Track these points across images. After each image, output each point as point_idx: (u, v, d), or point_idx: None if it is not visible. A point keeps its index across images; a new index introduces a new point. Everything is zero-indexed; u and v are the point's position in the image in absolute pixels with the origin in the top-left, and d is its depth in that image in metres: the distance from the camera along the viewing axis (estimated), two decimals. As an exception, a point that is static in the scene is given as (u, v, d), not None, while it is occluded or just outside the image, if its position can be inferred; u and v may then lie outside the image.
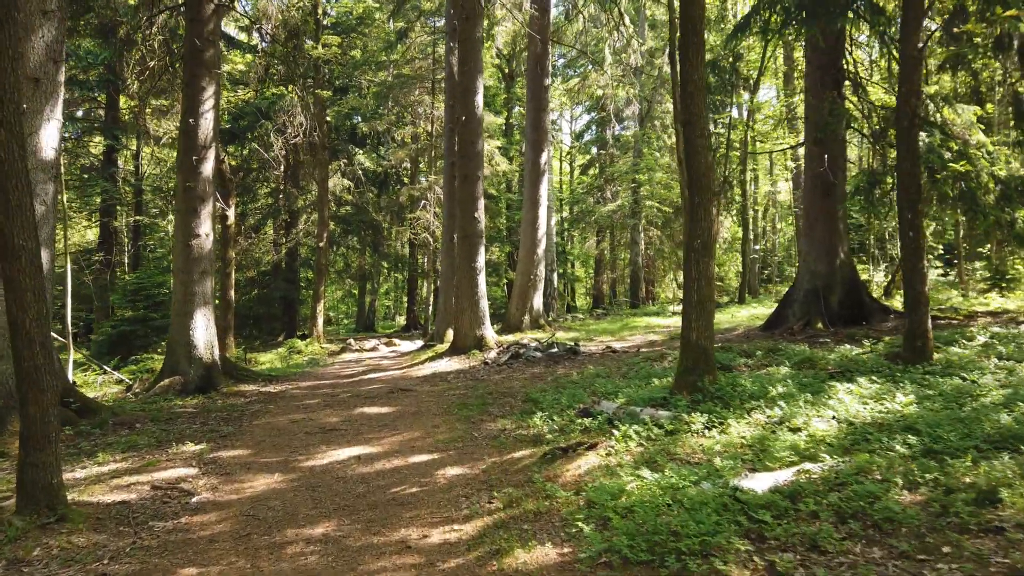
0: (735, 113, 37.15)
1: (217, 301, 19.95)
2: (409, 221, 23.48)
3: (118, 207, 22.36)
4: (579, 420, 6.20)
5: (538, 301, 18.53)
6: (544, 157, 18.64)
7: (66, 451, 6.78)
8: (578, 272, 37.79)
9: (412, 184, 23.90)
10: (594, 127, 37.81)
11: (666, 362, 9.65)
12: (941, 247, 24.48)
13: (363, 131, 27.25)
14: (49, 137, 7.81)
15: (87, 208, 22.95)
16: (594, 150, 39.04)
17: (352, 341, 19.53)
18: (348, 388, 10.69)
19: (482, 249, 12.90)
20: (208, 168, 10.99)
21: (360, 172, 25.35)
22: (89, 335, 20.75)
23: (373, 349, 18.95)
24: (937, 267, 21.98)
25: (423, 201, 22.49)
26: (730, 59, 30.32)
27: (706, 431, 5.34)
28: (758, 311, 19.12)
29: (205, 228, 10.92)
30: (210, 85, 11.04)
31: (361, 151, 25.82)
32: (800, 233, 13.93)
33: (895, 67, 12.45)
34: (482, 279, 12.93)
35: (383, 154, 26.71)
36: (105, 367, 14.03)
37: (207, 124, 10.96)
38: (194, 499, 5.09)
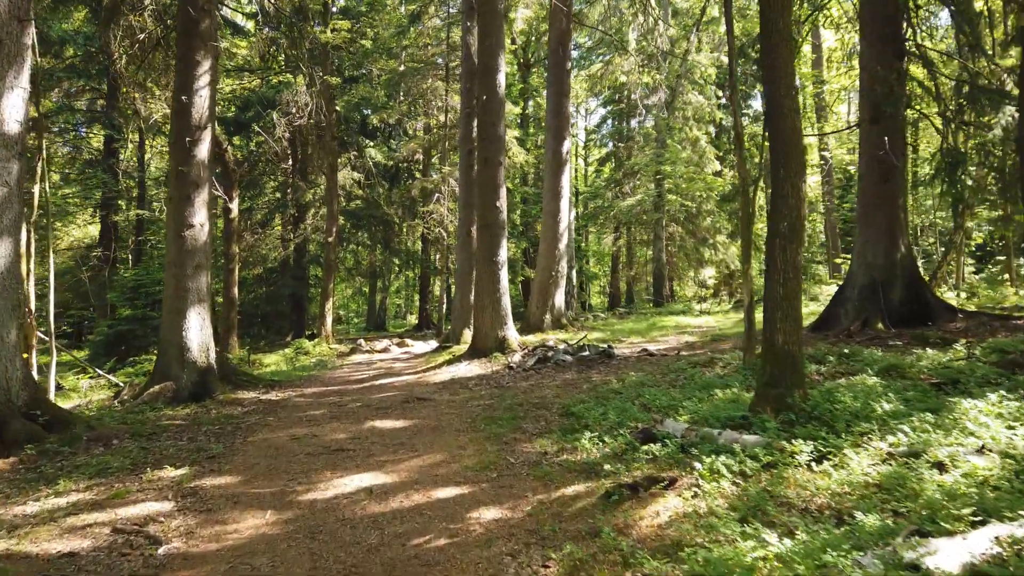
0: (756, 104, 35.82)
1: (220, 299, 19.01)
2: (421, 215, 22.37)
3: (119, 201, 21.37)
4: (641, 445, 5.04)
5: (560, 299, 17.37)
6: (566, 146, 17.46)
7: (23, 476, 5.71)
8: (594, 269, 36.52)
9: (425, 177, 22.77)
10: (611, 120, 36.57)
11: (718, 368, 8.46)
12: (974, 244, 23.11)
13: (373, 123, 26.20)
14: (12, 108, 6.75)
15: (87, 203, 21.99)
16: (610, 144, 37.82)
17: (362, 341, 18.46)
18: (358, 396, 9.57)
19: (504, 241, 11.76)
20: (203, 151, 9.91)
21: (371, 165, 24.28)
22: (88, 335, 19.79)
23: (384, 350, 17.87)
24: (969, 264, 20.60)
25: (436, 195, 21.38)
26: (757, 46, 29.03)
27: (815, 464, 4.16)
28: (794, 310, 17.82)
29: (199, 217, 9.85)
30: (206, 59, 9.95)
31: (371, 143, 24.75)
32: (856, 221, 12.67)
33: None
34: (504, 274, 11.79)
35: (394, 147, 25.63)
36: (99, 371, 13.03)
37: (202, 103, 9.88)
38: (161, 550, 3.98)
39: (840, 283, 18.60)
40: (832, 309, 12.19)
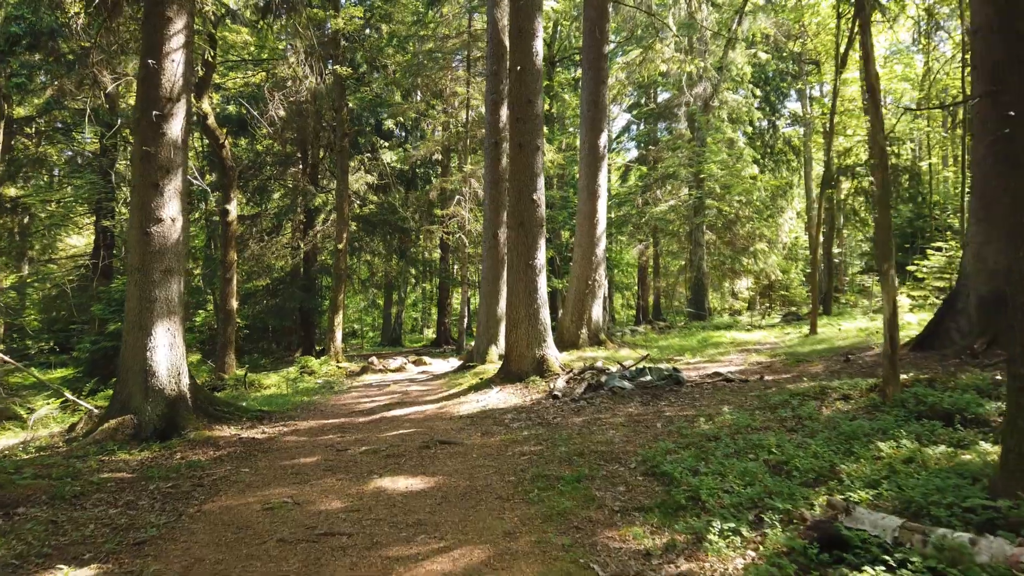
0: (792, 105, 33.53)
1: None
2: (440, 219, 20.43)
3: (113, 204, 19.70)
4: (820, 553, 2.96)
5: (597, 311, 15.31)
6: (603, 139, 15.47)
7: None
8: (625, 280, 34.39)
9: (443, 178, 20.88)
10: (635, 125, 34.56)
11: (838, 402, 6.33)
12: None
13: (388, 126, 24.43)
14: None
15: (77, 208, 20.36)
16: (633, 150, 35.83)
17: (375, 359, 16.50)
18: (364, 433, 7.56)
19: (543, 242, 9.75)
20: (176, 128, 8.04)
21: (385, 167, 22.47)
22: (72, 352, 18.03)
23: (399, 369, 15.88)
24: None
25: (457, 197, 19.46)
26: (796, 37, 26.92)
27: None
28: (859, 323, 15.67)
29: (170, 210, 7.96)
30: (179, 16, 8.10)
31: (386, 144, 22.96)
32: (971, 218, 10.40)
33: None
34: (543, 282, 9.77)
35: (410, 149, 23.80)
36: (69, 394, 11.17)
37: (174, 68, 8.01)
38: None
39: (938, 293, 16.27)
40: (940, 323, 9.97)
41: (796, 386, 7.71)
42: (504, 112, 14.23)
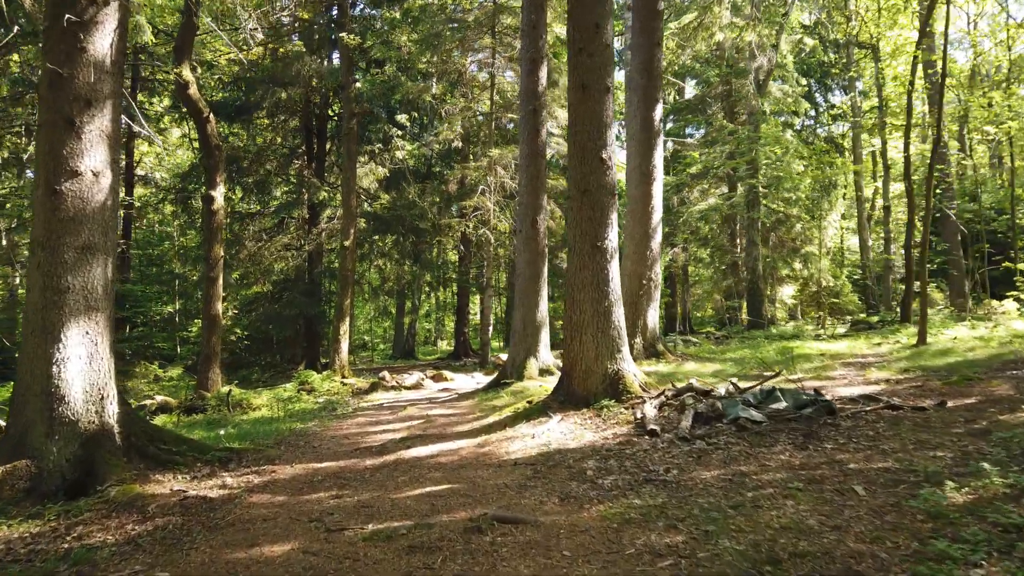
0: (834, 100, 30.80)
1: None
2: (462, 211, 17.90)
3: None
4: None
5: (653, 317, 12.72)
6: (658, 111, 12.95)
7: None
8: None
9: (464, 164, 18.38)
10: (664, 120, 32.04)
11: None
12: None
13: (403, 122, 22.01)
14: None
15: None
16: (669, 144, 33.29)
17: (387, 374, 13.94)
18: (372, 490, 4.98)
19: (614, 216, 7.18)
20: (103, 43, 5.57)
21: (399, 159, 20.02)
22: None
23: (416, 386, 13.30)
24: None
25: (481, 187, 16.95)
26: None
27: None
28: (960, 331, 13.03)
29: (93, 160, 5.48)
30: None
31: (400, 132, 20.51)
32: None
33: None
34: (615, 270, 7.18)
35: (426, 139, 21.35)
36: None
37: (101, -45, 5.56)
38: None
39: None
40: None
41: (1014, 417, 5.12)
42: (543, 74, 11.73)
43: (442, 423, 8.02)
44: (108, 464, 5.28)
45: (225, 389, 12.51)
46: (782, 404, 5.88)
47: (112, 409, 5.52)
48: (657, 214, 12.80)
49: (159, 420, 11.10)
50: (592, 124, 7.15)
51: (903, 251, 30.34)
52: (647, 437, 5.53)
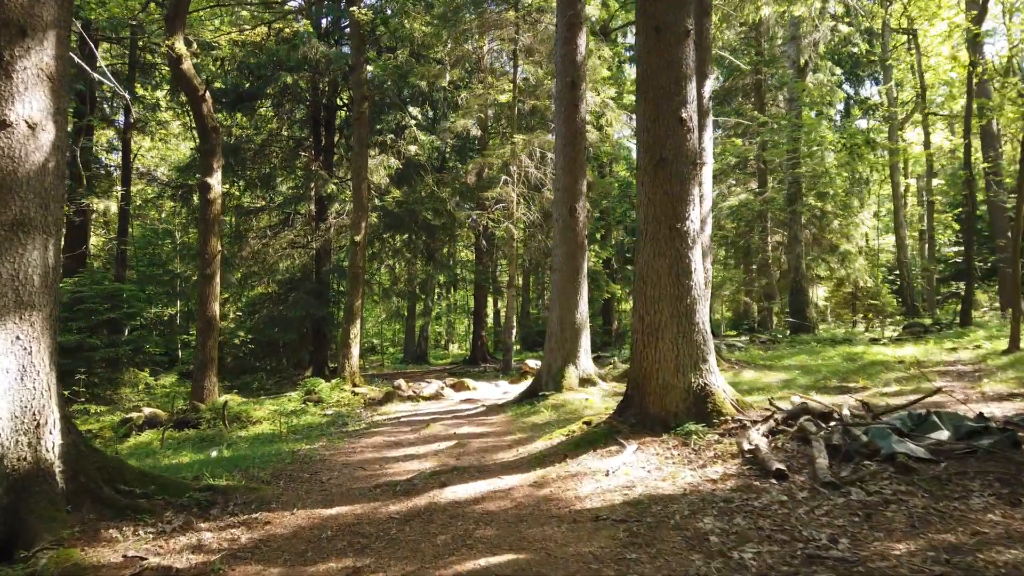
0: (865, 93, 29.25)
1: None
2: (482, 202, 16.48)
3: (81, 190, 16.03)
4: None
5: (704, 318, 11.19)
6: (707, 87, 11.55)
7: None
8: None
9: (485, 152, 16.96)
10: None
11: None
12: None
13: (415, 114, 20.66)
14: None
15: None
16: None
17: (403, 382, 12.53)
18: (401, 563, 3.55)
19: (696, 191, 5.74)
20: (42, -48, 4.19)
21: (412, 151, 18.65)
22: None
23: (436, 396, 11.89)
24: None
25: (503, 177, 15.53)
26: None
27: None
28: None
29: (30, 108, 4.11)
30: None
31: (415, 119, 19.13)
32: None
33: None
34: (698, 259, 5.74)
35: (441, 127, 19.95)
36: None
37: None
38: None
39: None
40: None
41: None
42: (582, 41, 10.31)
43: (478, 447, 6.58)
44: (43, 517, 3.89)
45: (222, 400, 11.13)
46: (944, 433, 4.42)
47: (52, 440, 4.13)
48: (708, 202, 11.37)
49: (145, 436, 9.74)
50: (669, 76, 5.71)
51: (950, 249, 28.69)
52: (773, 480, 4.07)
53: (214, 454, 7.73)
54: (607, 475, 4.71)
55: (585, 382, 9.70)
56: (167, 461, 7.48)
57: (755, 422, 5.15)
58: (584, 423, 6.20)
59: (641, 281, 5.79)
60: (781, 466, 4.15)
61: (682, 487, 4.27)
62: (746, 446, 4.68)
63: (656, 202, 5.69)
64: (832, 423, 4.93)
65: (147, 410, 10.63)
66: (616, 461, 4.94)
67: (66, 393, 10.28)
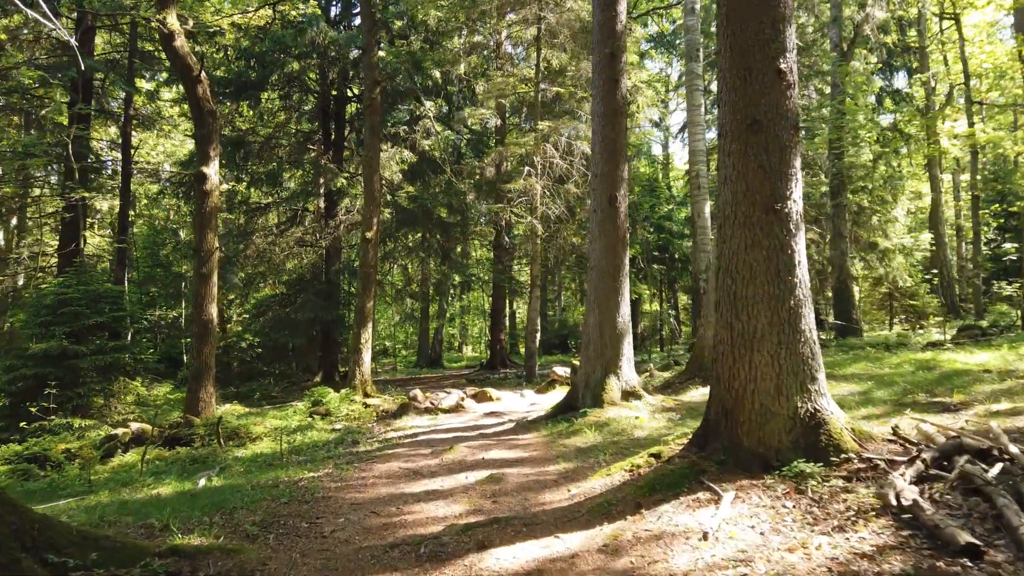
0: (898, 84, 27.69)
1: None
2: (502, 195, 15.27)
3: (80, 188, 14.98)
4: None
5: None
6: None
7: None
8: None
9: (507, 142, 15.78)
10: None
11: None
12: None
13: (436, 79, 19.45)
14: None
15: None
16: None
17: (418, 392, 11.36)
18: None
19: (798, 164, 4.52)
20: None
21: (425, 145, 17.49)
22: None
23: (456, 409, 10.71)
24: None
25: (527, 168, 14.32)
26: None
27: None
28: None
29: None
30: None
31: (432, 104, 17.94)
32: None
33: None
34: (802, 250, 4.50)
35: (457, 118, 18.78)
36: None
37: None
38: None
39: None
40: None
41: None
42: (623, 7, 9.08)
43: (516, 483, 5.37)
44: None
45: (219, 412, 10.02)
46: None
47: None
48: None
49: (131, 456, 8.61)
50: (763, 18, 4.49)
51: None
52: (966, 561, 2.83)
53: (202, 483, 6.59)
54: (704, 539, 3.49)
55: (629, 395, 8.47)
56: (145, 492, 6.34)
57: (891, 462, 3.91)
58: (651, 455, 4.97)
59: (729, 277, 4.57)
60: (972, 539, 2.91)
61: (824, 564, 3.03)
62: (893, 499, 3.43)
63: (748, 177, 4.46)
64: (999, 464, 3.67)
65: (135, 425, 9.52)
66: (711, 516, 3.71)
67: (34, 409, 9.23)
